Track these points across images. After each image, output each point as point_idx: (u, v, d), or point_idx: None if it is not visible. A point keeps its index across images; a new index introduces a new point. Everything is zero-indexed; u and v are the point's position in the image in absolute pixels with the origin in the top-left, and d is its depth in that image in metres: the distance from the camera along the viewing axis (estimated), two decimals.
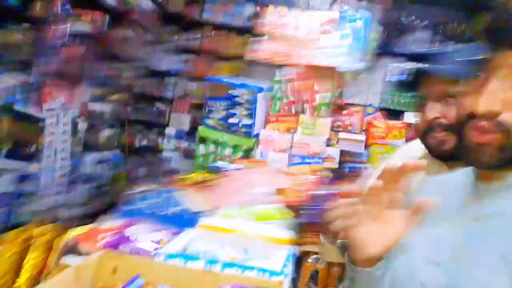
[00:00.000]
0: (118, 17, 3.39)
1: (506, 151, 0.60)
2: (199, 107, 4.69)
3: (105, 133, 3.93)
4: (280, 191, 1.79)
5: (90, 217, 1.19)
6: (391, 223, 0.65)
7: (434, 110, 0.95)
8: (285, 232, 0.97)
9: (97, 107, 3.66)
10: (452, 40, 3.62)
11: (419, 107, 1.02)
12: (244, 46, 4.53)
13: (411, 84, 1.04)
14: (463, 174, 0.73)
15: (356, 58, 1.95)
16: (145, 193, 1.14)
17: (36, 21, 2.45)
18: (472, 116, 0.61)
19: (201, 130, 2.07)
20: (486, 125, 0.60)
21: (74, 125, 3.30)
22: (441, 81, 0.93)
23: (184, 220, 1.02)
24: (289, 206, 1.73)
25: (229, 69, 4.65)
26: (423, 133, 0.99)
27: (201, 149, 2.13)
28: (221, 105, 1.97)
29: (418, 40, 3.86)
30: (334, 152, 2.41)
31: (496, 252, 0.59)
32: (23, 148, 2.70)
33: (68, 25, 2.50)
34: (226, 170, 1.88)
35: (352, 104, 3.90)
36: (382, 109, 3.01)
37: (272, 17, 2.02)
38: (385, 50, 3.86)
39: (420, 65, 1.01)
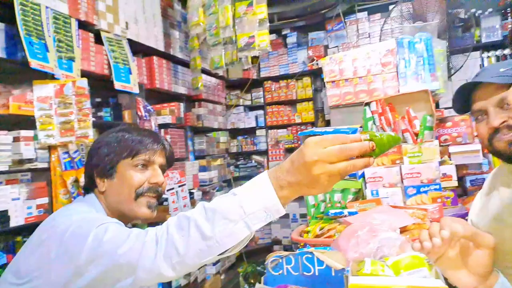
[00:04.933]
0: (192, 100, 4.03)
1: None
2: (292, 151, 4.84)
3: (217, 195, 4.24)
4: (403, 230, 1.72)
5: None
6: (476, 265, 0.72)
7: (497, 117, 0.99)
8: (437, 281, 0.92)
9: (205, 175, 4.01)
10: None
11: (478, 118, 1.05)
12: (306, 89, 4.81)
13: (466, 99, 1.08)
14: None
15: (429, 78, 1.90)
16: (285, 257, 1.19)
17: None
18: None
19: None
20: None
21: (191, 196, 3.64)
22: (497, 90, 0.99)
23: (332, 279, 1.06)
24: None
25: (306, 112, 4.90)
26: (489, 140, 1.02)
27: (310, 199, 2.17)
28: None
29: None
30: (449, 169, 2.24)
31: None
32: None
33: (153, 122, 2.89)
34: (342, 216, 1.88)
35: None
36: None
37: (331, 65, 2.10)
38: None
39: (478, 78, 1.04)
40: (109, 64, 2.65)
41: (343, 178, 0.68)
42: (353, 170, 0.67)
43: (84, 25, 2.54)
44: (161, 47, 3.21)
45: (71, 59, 2.37)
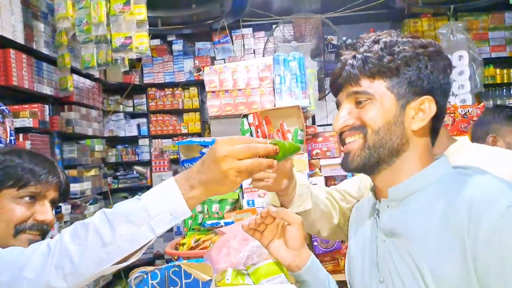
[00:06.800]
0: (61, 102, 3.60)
1: (366, 150, 0.75)
2: (178, 162, 4.73)
3: (91, 210, 3.86)
4: None
5: None
6: (291, 240, 0.88)
7: None
8: (291, 286, 0.96)
9: (76, 187, 3.61)
10: None
11: None
12: (193, 99, 4.81)
13: None
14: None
15: (301, 96, 2.06)
16: (151, 272, 1.13)
17: None
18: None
19: None
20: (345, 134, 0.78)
21: (58, 210, 3.22)
22: None
23: None
24: None
25: (193, 123, 4.87)
26: None
27: None
28: None
29: None
30: (319, 180, 2.43)
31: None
32: None
33: (8, 124, 2.48)
34: (218, 227, 1.86)
35: (325, 126, 4.03)
36: None
37: (211, 76, 2.13)
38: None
39: None
40: None
41: (250, 176, 0.76)
42: (259, 167, 0.74)
43: None
44: (20, 39, 2.78)
45: None
